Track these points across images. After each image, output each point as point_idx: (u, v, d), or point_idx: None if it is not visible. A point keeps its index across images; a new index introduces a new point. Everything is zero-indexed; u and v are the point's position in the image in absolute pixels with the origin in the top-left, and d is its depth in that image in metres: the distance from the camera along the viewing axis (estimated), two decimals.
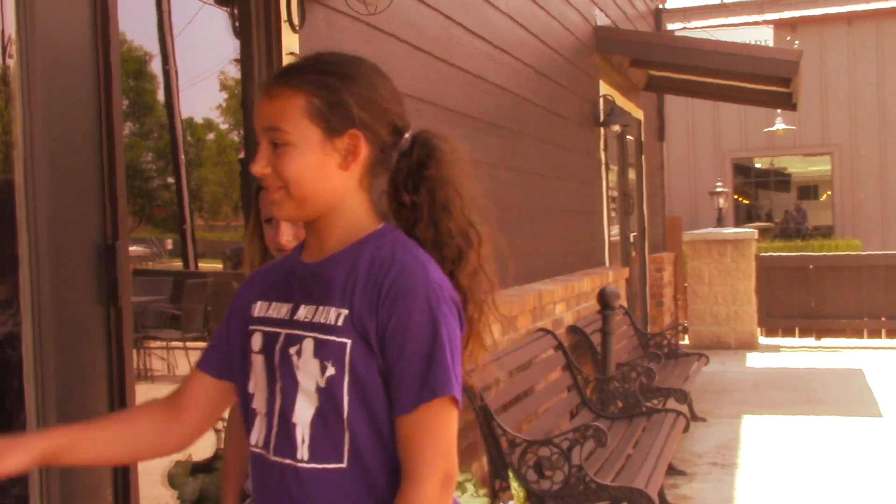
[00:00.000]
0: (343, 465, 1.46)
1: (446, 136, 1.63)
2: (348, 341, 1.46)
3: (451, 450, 1.48)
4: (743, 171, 18.58)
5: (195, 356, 2.79)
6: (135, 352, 3.21)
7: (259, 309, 1.59)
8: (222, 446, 2.34)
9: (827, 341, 10.51)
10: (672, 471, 5.26)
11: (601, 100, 8.01)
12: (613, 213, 8.66)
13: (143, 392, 2.17)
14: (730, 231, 10.58)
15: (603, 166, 8.09)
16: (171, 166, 5.65)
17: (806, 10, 15.86)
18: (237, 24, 3.14)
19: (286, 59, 3.20)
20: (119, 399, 2.29)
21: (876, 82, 15.82)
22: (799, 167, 19.81)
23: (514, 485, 3.66)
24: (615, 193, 8.88)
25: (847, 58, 15.92)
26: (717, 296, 10.32)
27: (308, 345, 1.48)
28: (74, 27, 2.22)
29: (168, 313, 5.68)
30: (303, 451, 1.47)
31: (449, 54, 4.73)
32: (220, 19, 3.13)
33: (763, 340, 10.61)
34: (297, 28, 3.26)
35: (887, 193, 15.75)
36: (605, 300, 5.93)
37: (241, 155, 3.70)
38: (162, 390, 1.67)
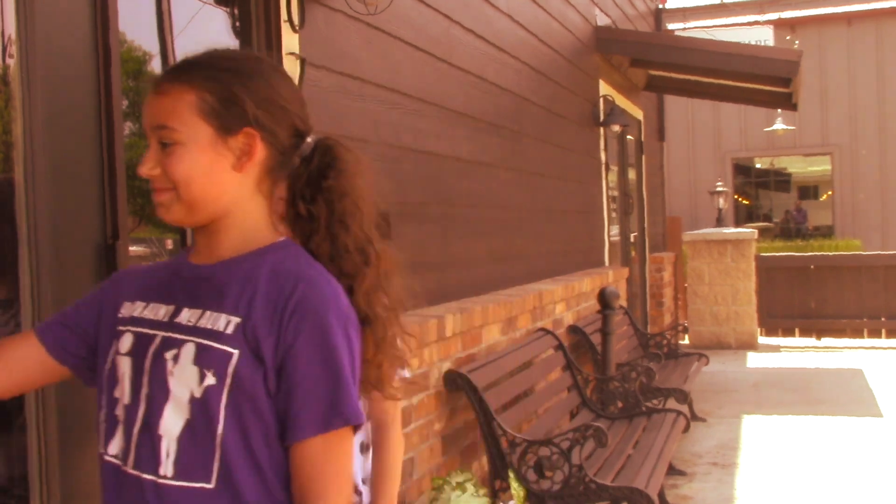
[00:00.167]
0: (210, 486, 1.35)
1: (350, 146, 1.54)
2: (235, 352, 1.36)
3: (351, 479, 1.42)
4: (743, 171, 18.57)
5: None
6: None
7: (131, 309, 1.48)
8: None
9: (827, 341, 10.51)
10: (672, 471, 5.26)
11: (601, 100, 8.01)
12: (613, 213, 8.66)
13: None
14: (730, 231, 10.58)
15: (603, 166, 8.09)
16: None
17: (806, 10, 15.86)
18: (237, 24, 3.14)
19: (286, 60, 3.21)
20: None
21: (876, 82, 15.81)
22: (799, 167, 19.80)
23: (514, 485, 3.66)
24: (615, 193, 8.88)
25: (847, 58, 15.91)
26: (717, 296, 10.33)
27: (188, 350, 1.37)
28: (74, 27, 2.21)
29: None
30: (167, 467, 1.35)
31: (449, 54, 4.72)
32: (220, 19, 3.13)
33: (763, 340, 10.61)
34: (297, 28, 3.26)
35: (887, 193, 15.74)
36: (605, 300, 5.93)
37: None
38: None
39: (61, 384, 2.14)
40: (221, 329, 1.37)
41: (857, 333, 10.48)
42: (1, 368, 1.51)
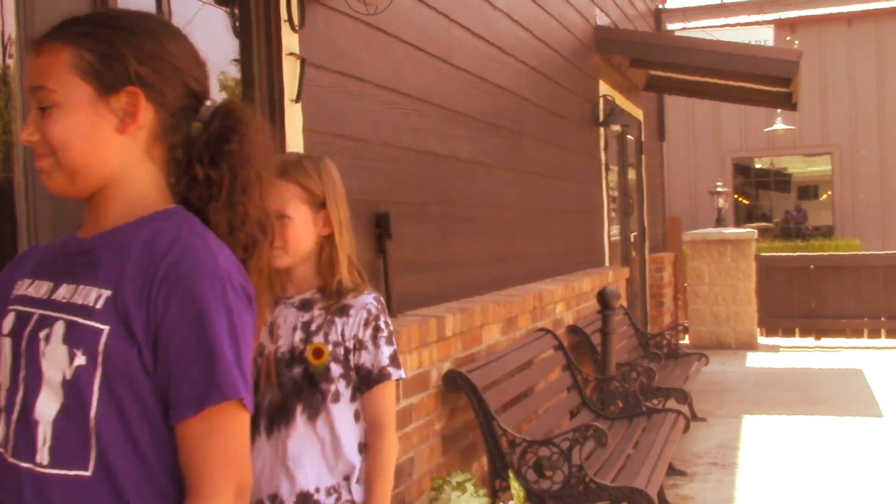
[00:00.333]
0: (87, 474, 1.25)
1: (254, 111, 1.45)
2: (105, 328, 1.25)
3: (244, 459, 1.31)
4: (743, 171, 18.57)
5: None
6: None
7: (20, 287, 1.37)
8: None
9: (827, 341, 10.51)
10: (672, 471, 5.26)
11: (601, 100, 8.01)
12: (613, 213, 8.66)
13: None
14: (730, 231, 10.58)
15: (603, 166, 8.09)
16: None
17: (806, 10, 15.86)
18: (237, 24, 3.14)
19: (286, 60, 3.20)
20: None
21: (876, 82, 15.81)
22: (799, 167, 19.80)
23: (514, 485, 3.65)
24: (615, 193, 8.88)
25: (847, 58, 15.92)
26: (717, 296, 10.33)
27: (59, 328, 1.27)
28: None
29: None
30: (43, 454, 1.26)
31: (449, 54, 4.73)
32: (220, 19, 3.13)
33: (763, 340, 10.61)
34: (297, 28, 3.26)
35: (887, 193, 15.74)
36: (605, 300, 5.93)
37: None
38: None
39: None
40: (92, 304, 1.27)
41: (856, 333, 10.48)
42: None
